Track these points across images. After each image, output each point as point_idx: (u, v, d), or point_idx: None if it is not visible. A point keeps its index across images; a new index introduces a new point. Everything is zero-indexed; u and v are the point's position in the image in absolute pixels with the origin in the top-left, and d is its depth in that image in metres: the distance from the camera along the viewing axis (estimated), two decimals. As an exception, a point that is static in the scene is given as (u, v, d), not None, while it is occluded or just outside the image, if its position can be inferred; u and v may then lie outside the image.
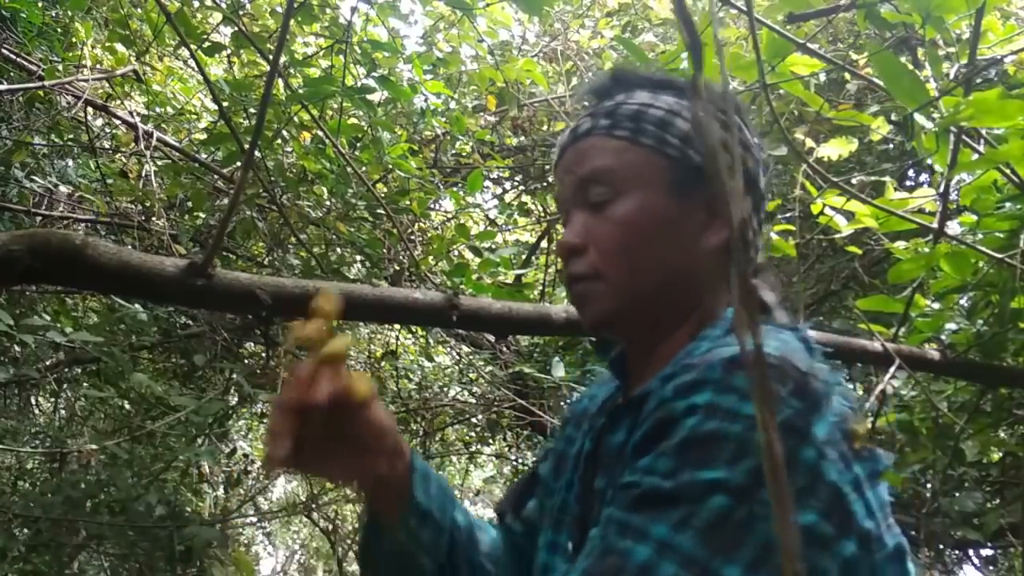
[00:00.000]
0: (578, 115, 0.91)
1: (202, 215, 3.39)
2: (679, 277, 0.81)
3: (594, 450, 0.82)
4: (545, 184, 4.55)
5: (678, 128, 0.82)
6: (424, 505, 0.85)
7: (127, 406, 4.24)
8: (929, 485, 2.41)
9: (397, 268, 3.63)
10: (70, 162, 3.64)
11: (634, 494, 0.63)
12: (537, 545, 0.87)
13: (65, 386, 4.22)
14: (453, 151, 4.27)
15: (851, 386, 3.74)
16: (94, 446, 3.08)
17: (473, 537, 0.92)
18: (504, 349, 4.00)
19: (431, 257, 3.42)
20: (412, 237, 3.70)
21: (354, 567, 8.59)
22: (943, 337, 2.05)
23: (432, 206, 3.85)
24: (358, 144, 3.07)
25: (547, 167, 4.48)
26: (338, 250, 3.46)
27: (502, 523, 0.95)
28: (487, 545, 0.94)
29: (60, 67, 3.16)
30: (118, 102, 3.32)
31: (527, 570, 0.87)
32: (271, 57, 1.73)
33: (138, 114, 3.19)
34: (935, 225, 1.70)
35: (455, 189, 3.74)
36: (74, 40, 3.41)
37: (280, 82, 2.46)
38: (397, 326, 4.22)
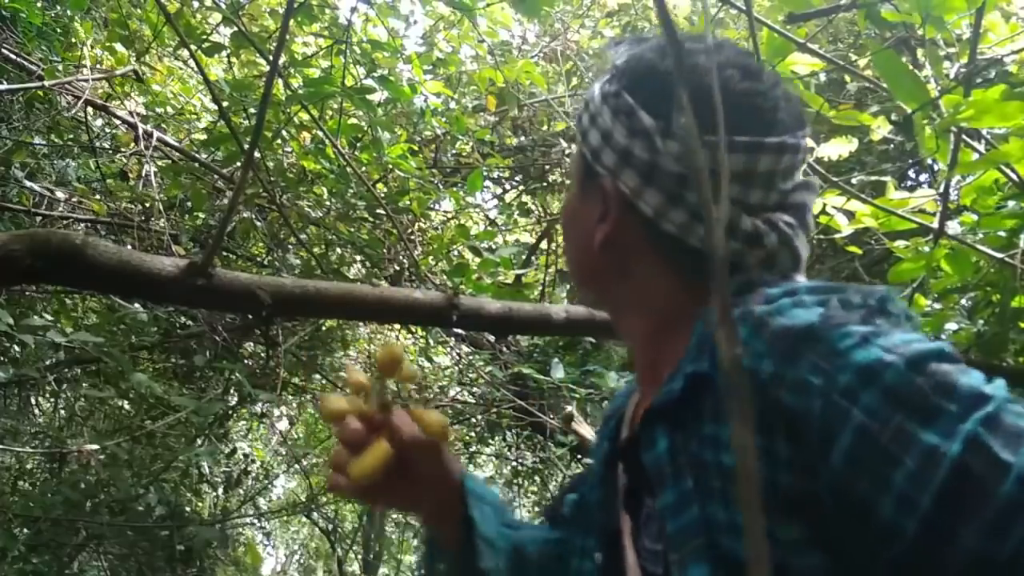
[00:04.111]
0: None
1: (202, 215, 3.39)
2: (587, 269, 0.78)
3: (612, 454, 0.80)
4: (545, 184, 4.55)
5: (583, 122, 0.76)
6: (482, 529, 0.82)
7: (127, 406, 4.24)
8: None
9: (397, 268, 3.63)
10: (70, 162, 3.63)
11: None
12: (574, 546, 0.85)
13: (65, 386, 4.22)
14: (453, 151, 4.26)
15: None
16: (94, 446, 3.07)
17: (525, 552, 0.89)
18: (504, 349, 4.00)
19: (431, 257, 3.42)
20: (412, 237, 3.70)
21: (354, 567, 8.58)
22: (944, 337, 2.05)
23: (432, 206, 3.85)
24: (358, 144, 3.06)
25: (547, 167, 4.48)
26: (338, 250, 3.46)
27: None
28: (535, 555, 0.91)
29: (60, 67, 3.16)
30: (118, 102, 3.32)
31: (567, 571, 0.86)
32: (271, 57, 1.73)
33: (138, 114, 3.18)
34: (935, 225, 1.70)
35: (455, 189, 3.73)
36: (74, 40, 3.41)
37: (280, 82, 2.46)
38: (397, 326, 4.22)
